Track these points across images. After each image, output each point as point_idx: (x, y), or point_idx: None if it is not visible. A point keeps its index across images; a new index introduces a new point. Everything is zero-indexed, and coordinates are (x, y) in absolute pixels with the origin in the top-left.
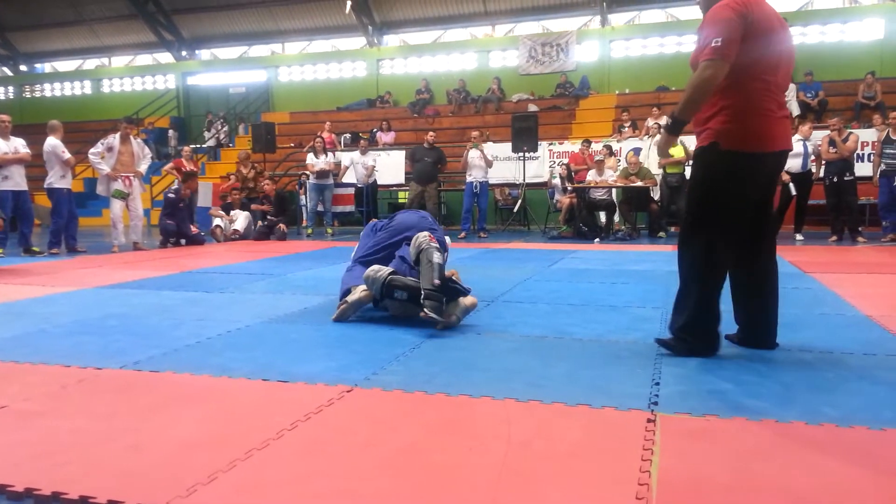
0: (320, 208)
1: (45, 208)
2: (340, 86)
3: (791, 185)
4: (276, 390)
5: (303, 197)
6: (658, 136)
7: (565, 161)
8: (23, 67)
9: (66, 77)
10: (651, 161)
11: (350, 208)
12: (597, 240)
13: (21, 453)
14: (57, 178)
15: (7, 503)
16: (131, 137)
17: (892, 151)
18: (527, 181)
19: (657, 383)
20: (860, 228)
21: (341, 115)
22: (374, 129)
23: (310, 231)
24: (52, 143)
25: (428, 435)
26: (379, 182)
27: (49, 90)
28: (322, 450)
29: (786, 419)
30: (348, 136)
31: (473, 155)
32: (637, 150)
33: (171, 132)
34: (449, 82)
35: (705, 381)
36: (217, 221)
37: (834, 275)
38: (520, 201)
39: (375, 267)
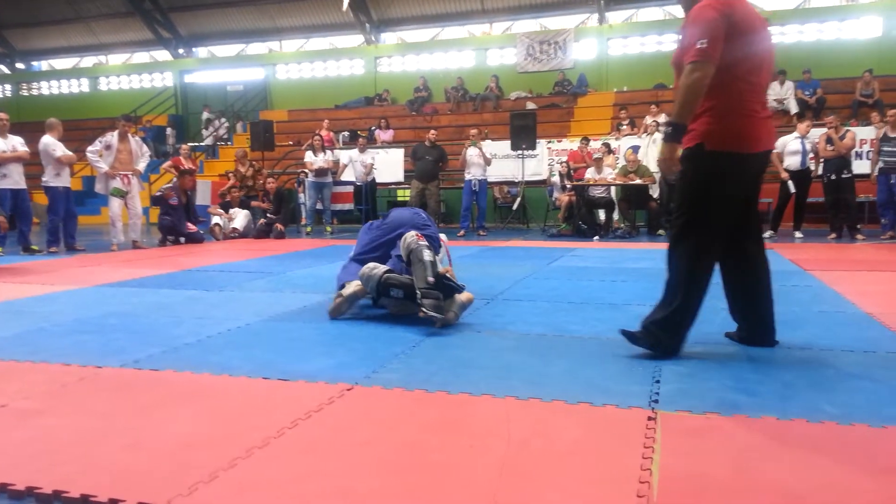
0: (319, 206)
1: (44, 207)
2: (338, 83)
3: (790, 182)
4: (277, 389)
5: (301, 195)
6: (657, 138)
7: (564, 159)
8: (20, 65)
9: (64, 75)
10: (650, 159)
11: (349, 206)
12: (596, 238)
13: (22, 452)
14: (52, 177)
15: (8, 502)
16: (129, 135)
17: (889, 149)
18: (526, 179)
19: (657, 381)
20: (859, 226)
21: (339, 113)
22: (373, 127)
23: (309, 229)
24: (46, 141)
25: (428, 433)
26: (378, 180)
27: (46, 88)
28: (323, 448)
29: (786, 417)
30: (347, 133)
31: (472, 153)
32: (636, 148)
33: (169, 130)
34: (447, 80)
35: (706, 378)
36: (216, 220)
37: (833, 272)
38: (519, 199)
39: (371, 265)
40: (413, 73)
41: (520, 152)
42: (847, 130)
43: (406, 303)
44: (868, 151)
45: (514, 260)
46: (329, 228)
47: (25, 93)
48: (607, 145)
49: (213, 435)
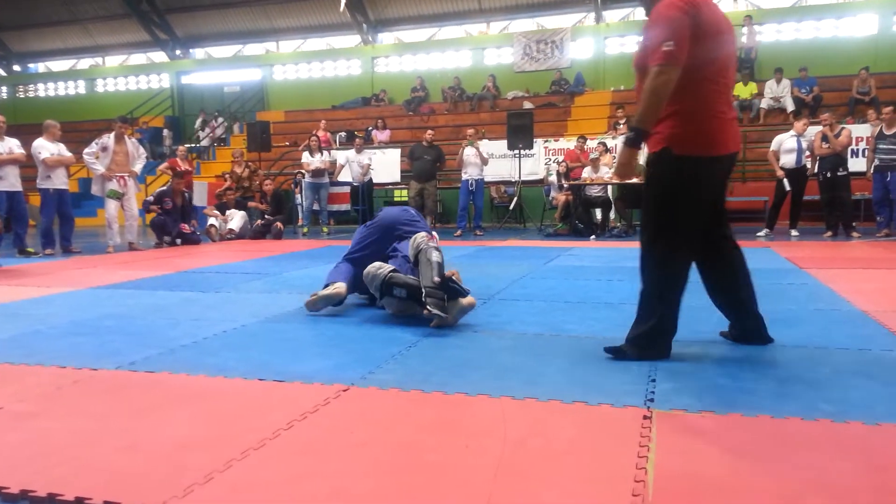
0: (316, 207)
1: (38, 209)
2: (335, 84)
3: (785, 180)
4: (273, 390)
5: (298, 196)
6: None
7: (561, 158)
8: (16, 67)
9: (60, 77)
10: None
11: (346, 207)
12: (593, 237)
13: (16, 454)
14: (42, 179)
15: None
16: (126, 137)
17: (885, 146)
18: (522, 178)
19: (653, 380)
20: (854, 224)
21: (336, 114)
22: (370, 128)
23: (305, 230)
24: (36, 143)
25: (424, 434)
26: (375, 180)
27: (43, 90)
28: (319, 449)
29: (781, 415)
30: (343, 134)
31: (469, 153)
32: None
33: (165, 131)
34: (444, 80)
35: (701, 377)
36: (212, 221)
37: (829, 270)
38: (515, 199)
39: (377, 264)
40: (410, 73)
41: (517, 152)
42: (842, 128)
43: (408, 303)
44: (864, 149)
45: (511, 259)
46: (326, 229)
47: (22, 95)
48: (604, 144)
49: (208, 436)
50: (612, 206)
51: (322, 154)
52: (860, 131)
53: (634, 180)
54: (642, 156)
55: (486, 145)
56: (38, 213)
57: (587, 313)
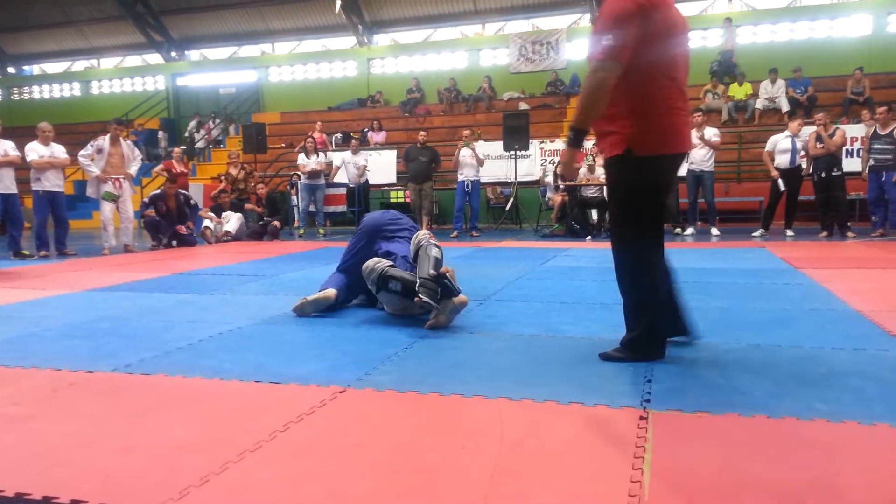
0: (312, 209)
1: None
2: (331, 85)
3: (780, 181)
4: (269, 392)
5: (294, 197)
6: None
7: (557, 159)
8: (10, 69)
9: (55, 79)
10: None
11: (342, 208)
12: (588, 237)
13: (11, 457)
14: (33, 181)
15: None
16: (121, 139)
17: (880, 147)
18: (518, 179)
19: (649, 380)
20: (849, 224)
21: (332, 115)
22: (366, 129)
23: (302, 231)
24: (28, 146)
25: (421, 435)
26: (370, 182)
27: (38, 92)
28: (315, 451)
29: (777, 415)
30: (339, 135)
31: (465, 154)
32: None
33: (161, 133)
34: (440, 81)
35: (697, 377)
36: (207, 223)
37: (824, 270)
38: (511, 200)
39: (375, 259)
40: (406, 75)
41: (512, 153)
42: (837, 128)
43: (404, 299)
44: (859, 149)
45: (507, 260)
46: (322, 230)
47: (16, 97)
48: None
49: (204, 439)
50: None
51: (318, 156)
52: (854, 131)
53: None
54: None
55: (481, 146)
56: (32, 216)
57: (583, 314)
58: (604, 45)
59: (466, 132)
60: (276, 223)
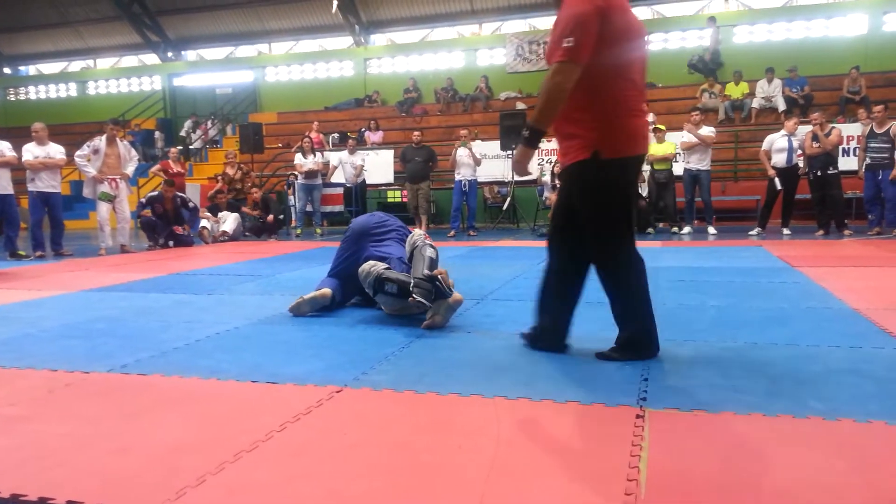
0: (309, 208)
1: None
2: (328, 85)
3: (776, 179)
4: (265, 392)
5: (291, 197)
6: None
7: (554, 158)
8: (7, 70)
9: (51, 79)
10: None
11: (339, 208)
12: None
13: (7, 458)
14: (28, 181)
15: None
16: (117, 139)
17: (876, 145)
18: (516, 179)
19: (646, 379)
20: (846, 222)
21: (329, 115)
22: (363, 129)
23: (299, 231)
24: (24, 147)
25: (418, 434)
26: (367, 182)
27: (34, 93)
28: (311, 451)
29: (773, 413)
30: (336, 135)
31: (462, 153)
32: None
33: (157, 134)
34: (437, 81)
35: (693, 375)
36: (204, 223)
37: (821, 268)
38: (509, 199)
39: (370, 263)
40: (403, 75)
41: (510, 152)
42: (833, 127)
43: (400, 300)
44: (855, 148)
45: (505, 260)
46: (319, 230)
47: (13, 98)
48: None
49: (201, 439)
50: None
51: (315, 155)
52: (851, 130)
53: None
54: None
55: (478, 146)
56: (28, 216)
57: (580, 313)
58: (564, 47)
59: (463, 132)
60: (270, 218)
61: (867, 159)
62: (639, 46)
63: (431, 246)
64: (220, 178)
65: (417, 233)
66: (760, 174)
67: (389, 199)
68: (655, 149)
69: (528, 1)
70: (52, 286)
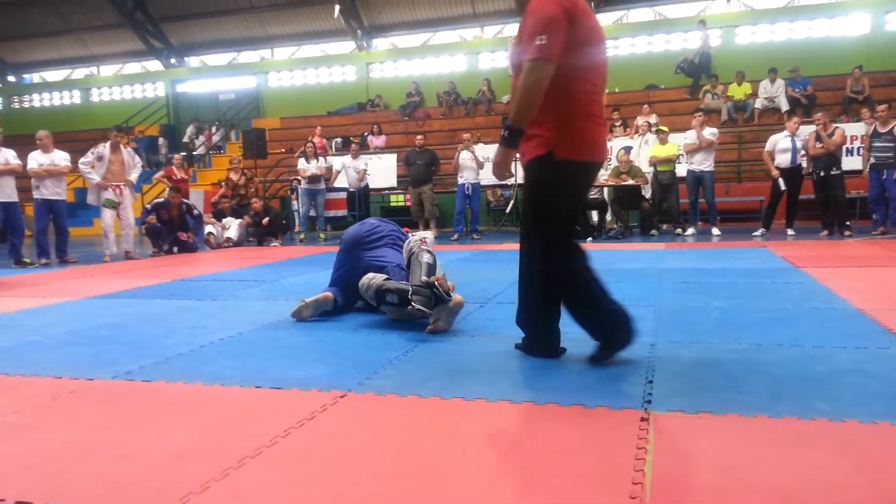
0: (312, 213)
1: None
2: (331, 90)
3: (780, 180)
4: (270, 397)
5: (295, 202)
6: (649, 138)
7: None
8: (10, 78)
9: (55, 87)
10: (641, 159)
11: (342, 212)
12: (589, 239)
13: (12, 466)
14: (33, 188)
15: None
16: (121, 146)
17: (880, 145)
18: (518, 182)
19: (650, 381)
20: (848, 222)
21: (332, 120)
22: (365, 133)
23: (302, 236)
24: (30, 155)
25: (422, 438)
26: (371, 186)
27: (38, 100)
28: (316, 456)
29: (778, 414)
30: (339, 140)
31: (465, 157)
32: (628, 149)
33: (161, 140)
34: (439, 85)
35: (698, 378)
36: (209, 229)
37: (825, 269)
38: (512, 202)
39: (370, 275)
40: (405, 79)
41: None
42: (836, 128)
43: (403, 309)
44: (859, 147)
45: (508, 263)
46: (323, 235)
47: (17, 105)
48: None
49: (205, 445)
50: (609, 208)
51: (318, 160)
52: (854, 130)
53: (630, 182)
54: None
55: (481, 149)
56: (33, 224)
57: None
58: (537, 45)
59: (466, 135)
60: (265, 221)
61: (871, 159)
62: (600, 51)
63: (428, 251)
64: (223, 183)
65: (414, 239)
66: (764, 175)
67: (392, 203)
68: (658, 150)
69: None
70: (56, 293)
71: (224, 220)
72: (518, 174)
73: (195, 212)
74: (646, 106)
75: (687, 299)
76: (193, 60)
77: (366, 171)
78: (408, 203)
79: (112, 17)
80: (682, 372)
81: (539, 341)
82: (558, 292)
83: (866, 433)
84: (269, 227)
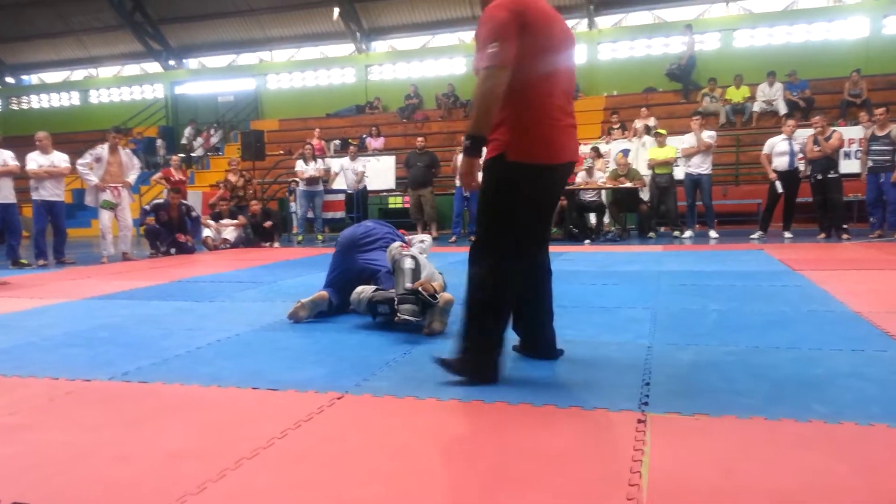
0: (310, 215)
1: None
2: (329, 92)
3: (777, 183)
4: (267, 398)
5: (293, 204)
6: (646, 141)
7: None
8: (9, 79)
9: (54, 88)
10: (640, 162)
11: (340, 214)
12: (587, 241)
13: (8, 467)
14: (32, 190)
15: None
16: (120, 148)
17: (878, 148)
18: None
19: (647, 383)
20: (845, 226)
21: (331, 122)
22: (364, 135)
23: (300, 238)
24: (28, 156)
25: (419, 440)
26: (369, 188)
27: (36, 102)
28: (312, 457)
29: (775, 417)
30: (338, 142)
31: None
32: (626, 152)
33: (159, 142)
34: (438, 87)
35: (695, 380)
36: (207, 231)
37: (822, 272)
38: None
39: (360, 288)
40: (404, 81)
41: None
42: (834, 131)
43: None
44: (857, 151)
45: None
46: (321, 237)
47: (15, 107)
48: (596, 149)
49: (201, 446)
50: (607, 210)
51: (316, 162)
52: (852, 133)
53: (628, 184)
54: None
55: None
56: (31, 225)
57: (581, 317)
58: (489, 53)
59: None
60: (267, 224)
61: (869, 162)
62: (564, 56)
63: (411, 257)
64: (222, 185)
65: (394, 246)
66: (762, 178)
67: (391, 206)
68: (656, 153)
69: None
70: (54, 294)
71: (222, 222)
72: None
73: (193, 214)
74: (644, 109)
75: (684, 301)
76: (192, 62)
77: (364, 173)
78: (406, 205)
79: (111, 19)
80: (679, 374)
81: (476, 362)
82: (506, 308)
83: (863, 435)
84: (264, 230)
